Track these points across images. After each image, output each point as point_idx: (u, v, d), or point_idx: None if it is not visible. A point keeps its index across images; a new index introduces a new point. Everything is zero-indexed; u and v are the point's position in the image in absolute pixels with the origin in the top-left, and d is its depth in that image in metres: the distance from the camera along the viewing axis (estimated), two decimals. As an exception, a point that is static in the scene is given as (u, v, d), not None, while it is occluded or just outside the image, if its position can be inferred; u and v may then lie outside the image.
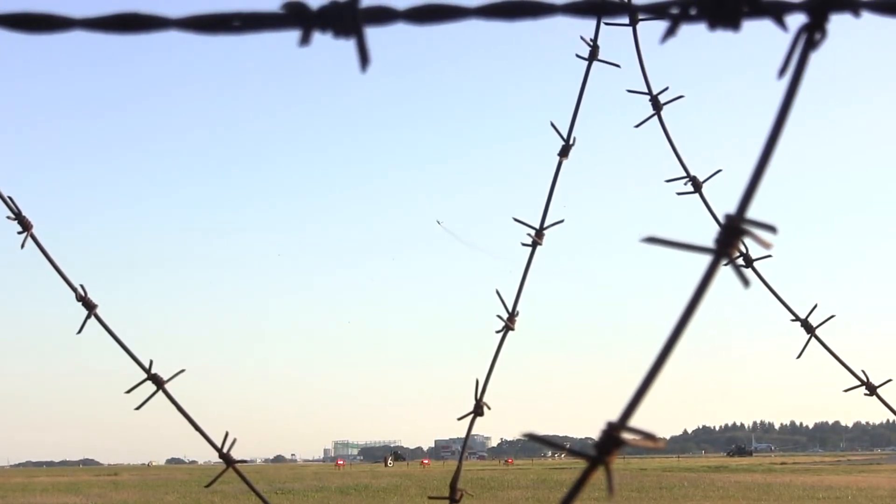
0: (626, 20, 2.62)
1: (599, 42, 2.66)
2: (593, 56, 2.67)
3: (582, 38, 2.67)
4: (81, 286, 2.40)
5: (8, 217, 2.36)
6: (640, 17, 2.56)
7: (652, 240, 0.77)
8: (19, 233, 2.35)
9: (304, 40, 0.80)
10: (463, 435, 2.65)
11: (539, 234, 2.68)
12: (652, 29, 2.64)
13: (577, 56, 2.67)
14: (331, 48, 0.82)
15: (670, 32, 0.81)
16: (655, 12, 0.81)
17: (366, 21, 0.80)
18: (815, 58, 0.77)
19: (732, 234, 0.75)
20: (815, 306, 2.67)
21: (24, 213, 2.36)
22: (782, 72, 0.77)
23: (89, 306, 2.39)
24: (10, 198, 2.35)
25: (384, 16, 0.81)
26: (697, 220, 2.60)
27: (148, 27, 0.80)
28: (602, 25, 2.64)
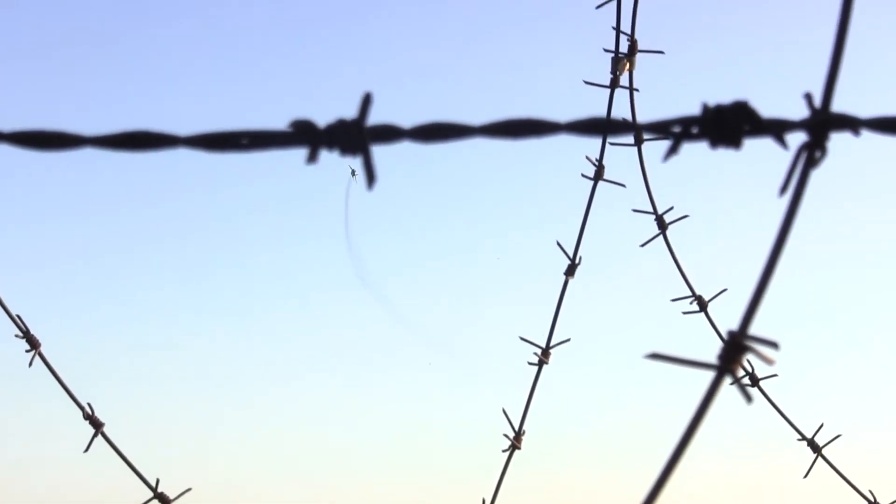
0: (630, 140, 2.64)
1: (605, 161, 2.68)
2: (599, 176, 2.69)
3: (588, 157, 2.70)
4: (89, 404, 2.39)
5: (16, 335, 2.36)
6: (645, 137, 2.58)
7: (655, 356, 0.78)
8: (27, 351, 2.35)
9: (312, 158, 0.81)
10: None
11: (545, 352, 2.67)
12: (658, 145, 2.66)
13: (583, 176, 2.69)
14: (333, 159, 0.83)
15: (672, 151, 0.82)
16: (658, 131, 0.82)
17: (372, 139, 0.81)
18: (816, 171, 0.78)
19: (735, 350, 0.76)
20: (822, 426, 2.65)
21: (31, 332, 2.36)
22: (783, 189, 0.78)
23: (96, 424, 2.38)
24: (17, 316, 2.36)
25: (390, 134, 0.82)
26: (704, 338, 2.60)
27: (158, 145, 0.81)
28: (607, 145, 2.67)
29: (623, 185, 2.71)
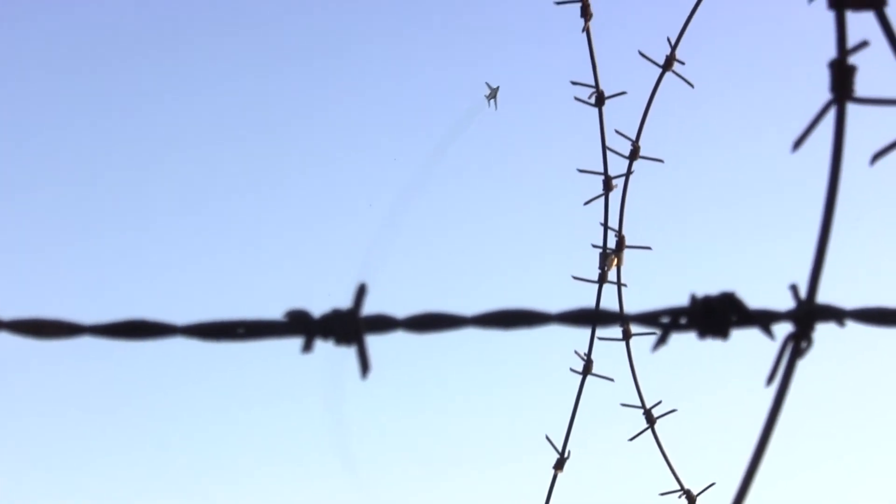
0: (618, 334, 2.66)
1: (594, 354, 2.69)
2: (587, 370, 2.70)
3: (576, 352, 2.71)
4: None
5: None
6: (634, 329, 2.60)
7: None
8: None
9: (307, 348, 0.82)
10: None
11: (535, 547, 2.65)
12: (646, 338, 2.67)
13: (572, 370, 2.70)
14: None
15: (661, 341, 0.83)
16: (647, 322, 0.83)
17: (366, 330, 0.82)
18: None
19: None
20: None
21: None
22: (770, 380, 0.79)
23: None
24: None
25: (384, 324, 0.84)
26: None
27: (155, 334, 0.82)
28: (596, 339, 2.68)
29: (611, 380, 2.72)
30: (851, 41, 0.85)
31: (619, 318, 0.94)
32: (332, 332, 0.82)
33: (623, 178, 2.63)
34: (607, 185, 2.61)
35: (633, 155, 2.59)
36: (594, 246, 2.65)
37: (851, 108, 0.84)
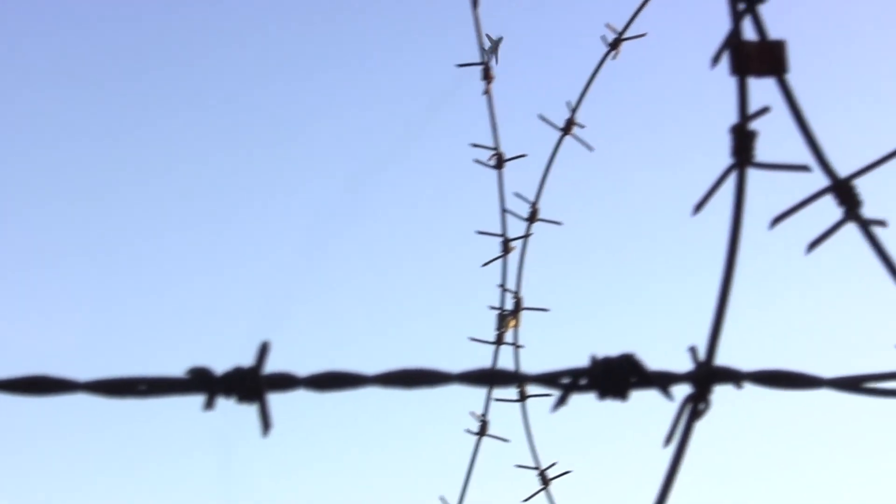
0: (515, 395, 2.67)
1: (490, 415, 2.69)
2: (483, 431, 2.70)
3: (472, 413, 2.71)
4: None
5: None
6: (532, 391, 2.61)
7: None
8: None
9: (209, 405, 0.82)
10: None
11: None
12: (544, 399, 2.68)
13: (467, 431, 2.70)
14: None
15: (561, 402, 0.84)
16: (548, 382, 0.84)
17: (268, 388, 0.82)
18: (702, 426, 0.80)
19: None
20: None
21: None
22: (668, 440, 0.81)
23: None
24: None
25: (286, 383, 0.84)
26: None
27: (57, 390, 0.81)
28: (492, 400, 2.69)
29: (507, 440, 2.73)
30: (753, 107, 0.87)
31: (520, 379, 0.95)
32: (234, 389, 0.82)
33: (521, 241, 2.65)
34: (506, 247, 2.63)
35: (532, 217, 2.62)
36: (492, 307, 2.67)
37: (752, 173, 0.86)
